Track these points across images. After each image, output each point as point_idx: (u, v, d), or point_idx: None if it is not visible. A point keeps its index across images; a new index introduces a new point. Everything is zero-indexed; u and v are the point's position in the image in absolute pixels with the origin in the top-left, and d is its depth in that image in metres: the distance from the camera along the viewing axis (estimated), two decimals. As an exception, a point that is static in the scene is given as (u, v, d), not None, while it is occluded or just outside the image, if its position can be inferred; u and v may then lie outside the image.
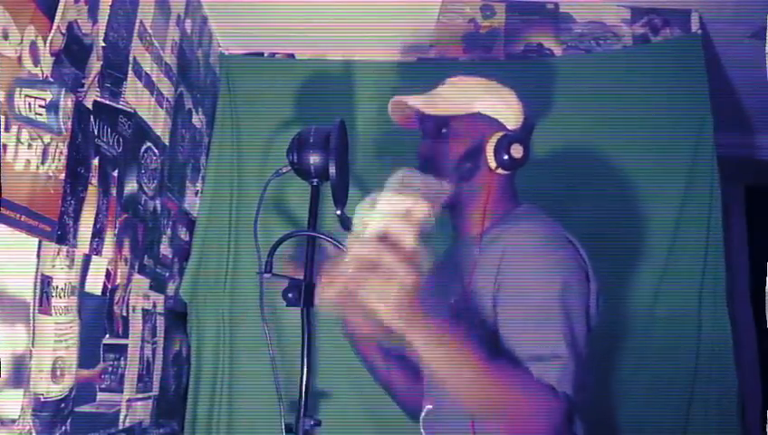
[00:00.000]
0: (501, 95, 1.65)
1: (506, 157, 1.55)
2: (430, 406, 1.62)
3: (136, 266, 1.96)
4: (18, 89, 1.32)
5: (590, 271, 1.49)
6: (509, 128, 1.62)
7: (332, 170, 1.58)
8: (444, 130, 1.63)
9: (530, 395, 1.32)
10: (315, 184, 1.69)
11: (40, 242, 1.41)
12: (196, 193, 2.50)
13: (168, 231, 2.23)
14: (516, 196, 1.67)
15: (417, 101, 1.68)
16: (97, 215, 1.68)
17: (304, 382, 1.56)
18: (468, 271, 1.52)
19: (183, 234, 2.38)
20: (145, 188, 1.99)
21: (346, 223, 1.61)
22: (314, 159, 1.62)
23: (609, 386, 2.29)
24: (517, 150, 1.55)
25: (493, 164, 1.57)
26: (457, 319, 1.48)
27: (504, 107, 1.63)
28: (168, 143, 2.16)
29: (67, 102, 1.51)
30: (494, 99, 1.64)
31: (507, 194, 1.64)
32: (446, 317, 1.34)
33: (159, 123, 2.08)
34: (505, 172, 1.60)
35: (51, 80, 1.44)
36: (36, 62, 1.39)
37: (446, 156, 1.61)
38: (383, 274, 1.18)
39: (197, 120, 2.48)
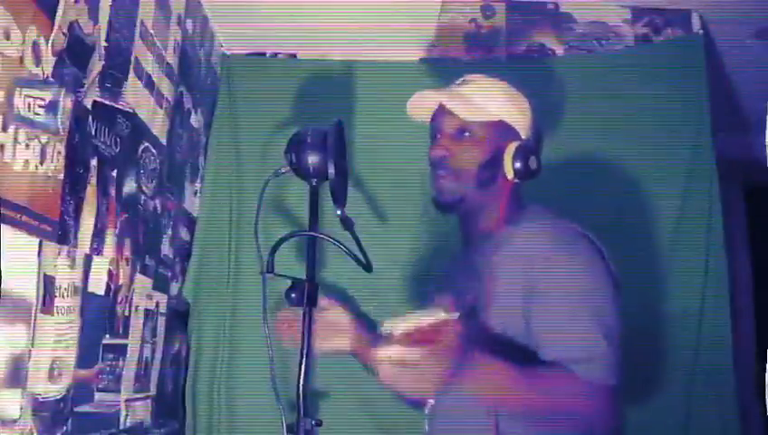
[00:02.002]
0: (518, 102, 1.66)
1: (523, 168, 1.57)
2: (432, 401, 1.62)
3: (138, 266, 1.96)
4: (18, 89, 1.32)
5: (608, 259, 1.53)
6: (522, 136, 1.63)
7: (331, 170, 1.58)
8: (467, 134, 1.63)
9: (575, 395, 1.38)
10: (314, 184, 1.69)
11: (41, 242, 1.42)
12: (195, 193, 2.50)
13: (169, 231, 2.23)
14: (521, 197, 1.68)
15: (444, 97, 1.68)
16: (97, 215, 1.68)
17: (303, 382, 1.56)
18: (488, 271, 1.54)
19: (183, 234, 2.38)
20: (144, 188, 2.00)
21: (346, 223, 1.61)
22: (312, 159, 1.62)
23: None
24: (533, 162, 1.58)
25: (510, 174, 1.59)
26: (472, 317, 1.51)
27: (520, 115, 1.65)
28: (165, 143, 2.16)
29: (66, 102, 1.51)
30: (512, 106, 1.65)
31: (515, 197, 1.66)
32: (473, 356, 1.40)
33: (158, 123, 2.08)
34: (519, 181, 1.62)
35: (51, 80, 1.44)
36: (38, 62, 1.39)
37: (467, 160, 1.62)
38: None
39: (196, 120, 2.48)
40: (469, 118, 1.63)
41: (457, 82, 1.71)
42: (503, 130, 1.63)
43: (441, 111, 1.67)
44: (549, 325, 1.43)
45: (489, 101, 1.64)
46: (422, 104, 1.72)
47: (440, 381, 1.32)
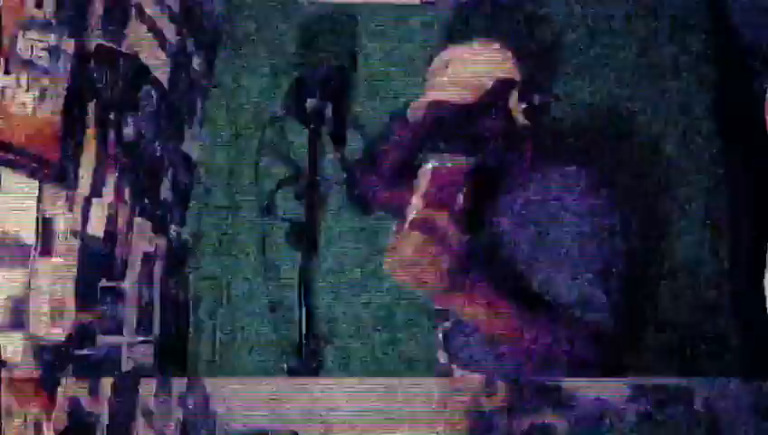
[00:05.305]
0: (499, 55, 1.68)
1: (530, 105, 1.58)
2: (448, 323, 1.65)
3: (137, 210, 1.96)
4: (21, 31, 1.31)
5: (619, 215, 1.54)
6: (516, 80, 1.64)
7: (330, 114, 1.58)
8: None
9: (563, 343, 1.39)
10: (314, 127, 1.68)
11: (40, 184, 1.42)
12: (195, 136, 2.49)
13: (168, 174, 2.22)
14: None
15: (448, 95, 1.69)
16: (96, 158, 1.67)
17: (304, 319, 1.55)
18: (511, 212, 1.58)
19: (182, 177, 2.37)
20: (144, 131, 1.99)
21: (337, 140, 1.61)
22: (312, 102, 1.61)
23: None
24: (536, 99, 1.59)
25: (520, 117, 1.59)
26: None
27: (506, 64, 1.66)
28: (167, 87, 2.15)
29: (69, 45, 1.49)
30: (497, 62, 1.68)
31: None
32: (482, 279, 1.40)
33: (160, 67, 2.07)
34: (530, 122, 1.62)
35: (53, 23, 1.43)
36: (39, 4, 1.37)
37: (478, 130, 1.63)
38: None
39: (198, 63, 2.45)
40: (470, 99, 1.64)
41: (438, 64, 1.71)
42: (499, 87, 1.64)
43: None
44: (550, 270, 1.45)
45: (476, 74, 1.67)
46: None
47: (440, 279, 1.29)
